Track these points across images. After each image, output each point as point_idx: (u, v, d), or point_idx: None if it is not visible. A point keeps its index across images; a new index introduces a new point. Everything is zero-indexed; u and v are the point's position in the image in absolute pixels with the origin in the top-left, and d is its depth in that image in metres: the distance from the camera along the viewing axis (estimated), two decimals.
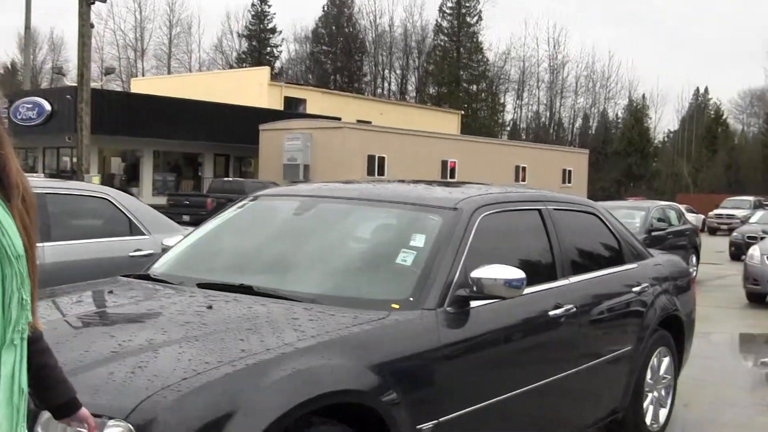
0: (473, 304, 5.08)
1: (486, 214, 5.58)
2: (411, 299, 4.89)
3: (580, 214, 6.90)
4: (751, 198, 53.74)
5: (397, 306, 4.82)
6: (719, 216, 49.32)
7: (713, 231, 48.36)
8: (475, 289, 4.99)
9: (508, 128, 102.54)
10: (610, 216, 7.31)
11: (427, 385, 4.65)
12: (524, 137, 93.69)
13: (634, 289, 6.99)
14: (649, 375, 7.25)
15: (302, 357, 4.08)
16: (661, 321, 7.31)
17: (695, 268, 21.78)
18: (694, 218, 38.36)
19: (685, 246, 21.18)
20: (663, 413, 7.62)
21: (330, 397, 4.08)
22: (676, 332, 7.71)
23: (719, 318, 15.68)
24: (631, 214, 20.35)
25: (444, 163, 49.10)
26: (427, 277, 5.00)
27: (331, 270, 5.47)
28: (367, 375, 4.29)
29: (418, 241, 5.25)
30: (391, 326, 4.62)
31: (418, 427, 4.54)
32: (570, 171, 59.59)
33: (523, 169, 54.95)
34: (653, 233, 19.66)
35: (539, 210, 6.24)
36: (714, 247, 33.92)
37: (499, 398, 5.18)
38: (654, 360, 7.31)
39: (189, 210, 31.84)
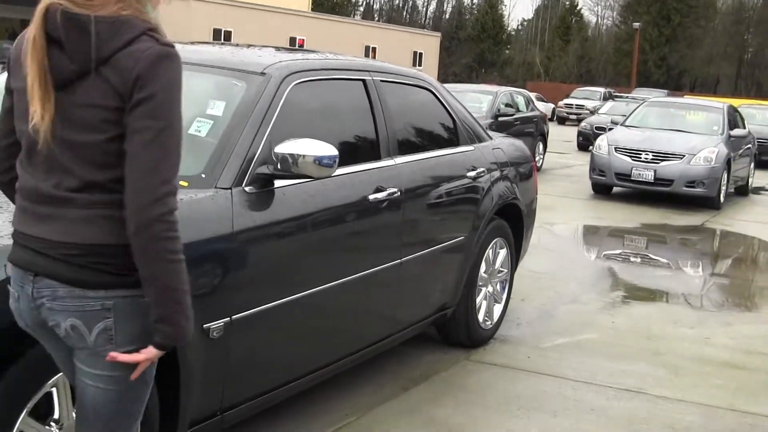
0: (278, 183, 4.36)
1: (299, 81, 4.79)
2: (203, 176, 4.12)
3: (413, 88, 6.16)
4: (601, 89, 54.19)
5: (185, 183, 4.03)
6: (569, 106, 49.54)
7: (562, 120, 48.74)
8: (279, 166, 4.25)
9: (361, 8, 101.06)
10: (447, 93, 6.63)
11: (216, 277, 3.95)
12: (377, 18, 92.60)
13: (469, 174, 6.35)
14: (483, 268, 6.70)
15: None
16: (498, 209, 6.73)
17: (542, 157, 21.57)
18: (543, 107, 38.41)
19: (532, 133, 20.85)
20: (497, 309, 7.10)
21: None
22: (514, 222, 7.15)
23: (563, 208, 15.37)
24: (479, 98, 19.86)
25: (292, 40, 48.34)
26: (224, 150, 4.23)
27: None
28: None
29: (217, 109, 4.45)
30: None
31: (206, 326, 3.87)
32: (421, 54, 59.45)
33: (374, 49, 54.58)
34: (500, 118, 19.20)
35: (363, 81, 5.47)
36: (562, 136, 34.01)
37: (306, 292, 4.52)
38: (489, 252, 6.75)
39: None
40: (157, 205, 2.52)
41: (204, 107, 4.48)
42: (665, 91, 56.56)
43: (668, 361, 6.90)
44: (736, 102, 22.94)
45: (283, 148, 4.23)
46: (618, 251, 12.21)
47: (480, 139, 6.81)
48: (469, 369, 6.38)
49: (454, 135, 6.49)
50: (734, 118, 18.62)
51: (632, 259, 11.58)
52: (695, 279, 10.61)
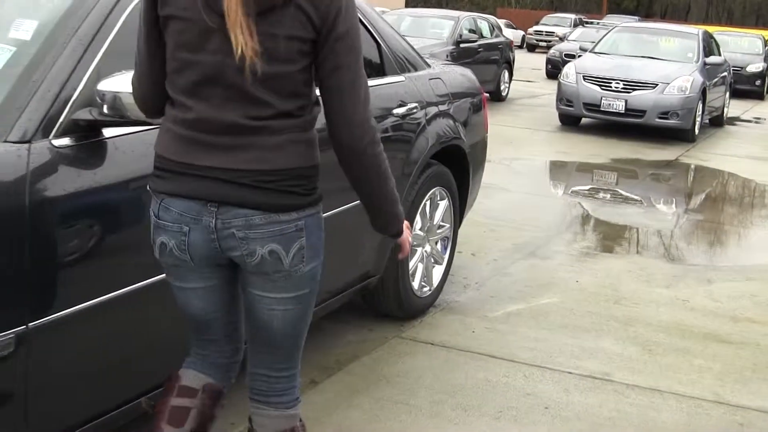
0: (109, 133, 3.15)
1: None
2: None
3: None
4: (572, 16, 53.46)
5: None
6: (539, 33, 48.89)
7: (532, 48, 48.17)
8: (107, 109, 3.02)
9: None
10: (372, 11, 5.40)
11: (5, 272, 2.76)
12: None
13: (397, 111, 5.12)
14: (418, 224, 5.53)
15: None
16: (436, 153, 5.54)
17: (507, 85, 20.47)
18: (513, 34, 37.46)
19: (497, 61, 19.84)
20: (438, 272, 5.94)
21: None
22: (457, 167, 5.96)
23: (527, 142, 14.30)
24: (440, 24, 18.90)
25: None
26: (24, 88, 3.01)
27: None
28: None
29: (24, 29, 3.22)
30: None
31: None
32: None
33: None
34: (462, 45, 18.18)
35: None
36: (531, 64, 33.06)
37: (156, 279, 3.30)
38: (426, 204, 5.57)
39: None
40: (371, 132, 2.69)
41: (5, 28, 3.26)
42: (636, 17, 55.73)
43: (640, 334, 5.79)
44: (709, 29, 21.85)
45: (111, 84, 2.99)
46: (586, 189, 11.08)
47: (415, 68, 5.60)
48: (398, 351, 5.23)
49: (378, 63, 5.27)
50: (709, 45, 17.66)
51: (601, 198, 10.44)
52: (669, 223, 9.51)
